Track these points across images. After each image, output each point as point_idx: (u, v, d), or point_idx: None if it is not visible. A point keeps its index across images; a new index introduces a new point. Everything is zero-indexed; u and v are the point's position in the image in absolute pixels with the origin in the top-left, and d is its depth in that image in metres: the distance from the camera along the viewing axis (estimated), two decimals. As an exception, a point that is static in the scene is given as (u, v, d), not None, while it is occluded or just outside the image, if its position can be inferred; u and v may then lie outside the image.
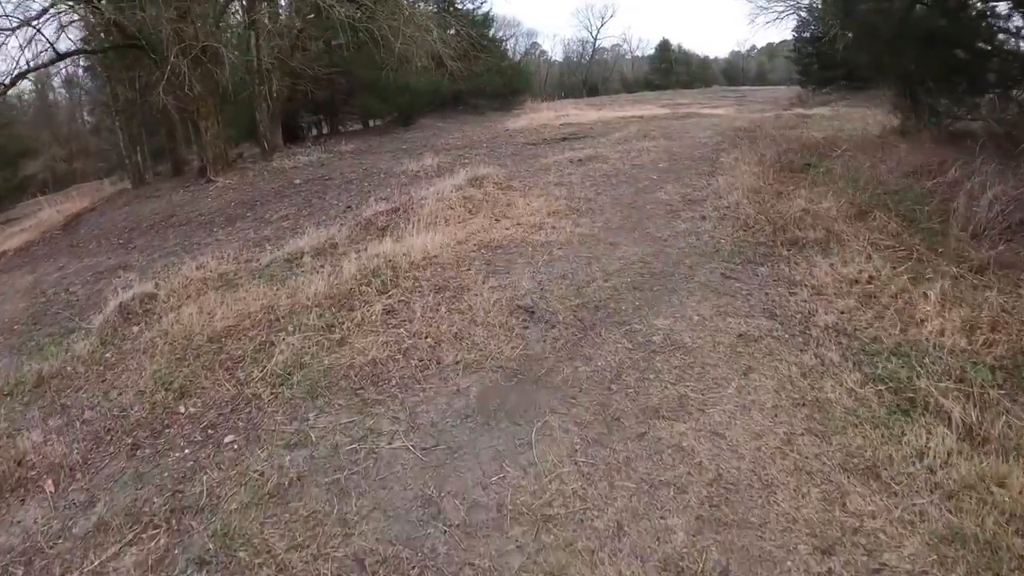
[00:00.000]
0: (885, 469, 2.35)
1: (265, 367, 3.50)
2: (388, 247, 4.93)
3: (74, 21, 10.31)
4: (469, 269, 4.51)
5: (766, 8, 20.11)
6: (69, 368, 3.98)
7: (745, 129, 9.32)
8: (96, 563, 2.35)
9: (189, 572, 2.24)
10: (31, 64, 9.49)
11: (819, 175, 5.70)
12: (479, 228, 5.38)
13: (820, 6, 16.75)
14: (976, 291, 3.39)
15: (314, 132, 17.27)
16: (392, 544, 2.24)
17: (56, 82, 22.87)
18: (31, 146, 21.11)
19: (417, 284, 4.33)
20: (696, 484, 2.36)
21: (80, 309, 5.21)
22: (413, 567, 2.14)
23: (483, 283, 4.24)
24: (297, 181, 8.89)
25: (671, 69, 38.56)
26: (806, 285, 3.76)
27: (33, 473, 2.98)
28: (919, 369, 2.82)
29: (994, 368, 2.79)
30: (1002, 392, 2.65)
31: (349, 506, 2.44)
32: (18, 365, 4.17)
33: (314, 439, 2.87)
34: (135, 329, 4.36)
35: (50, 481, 2.90)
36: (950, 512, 2.14)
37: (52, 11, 9.18)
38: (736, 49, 55.25)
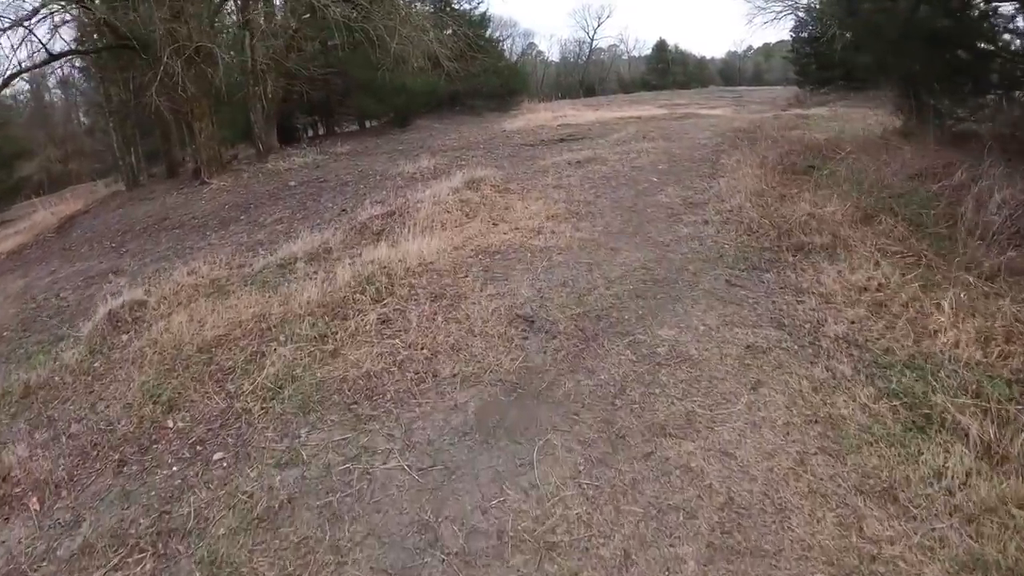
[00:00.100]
0: (902, 491, 2.24)
1: (256, 379, 3.38)
2: (383, 252, 4.81)
3: (67, 21, 10.21)
4: (466, 276, 4.39)
5: (764, 8, 20.10)
6: (57, 378, 3.87)
7: (744, 130, 9.25)
8: (79, 590, 2.24)
9: (174, 602, 2.13)
10: (23, 65, 9.40)
11: (823, 178, 5.61)
12: (476, 232, 5.26)
13: (818, 6, 16.72)
14: (988, 300, 3.29)
15: (309, 133, 17.17)
16: (387, 574, 2.13)
17: (52, 83, 22.77)
18: (26, 147, 20.97)
19: (413, 292, 4.21)
20: (706, 508, 2.24)
21: (70, 316, 5.11)
22: (409, 599, 2.03)
23: (481, 291, 4.12)
24: (292, 183, 8.77)
25: (668, 69, 38.59)
26: (814, 293, 3.66)
27: (18, 490, 2.88)
28: (934, 383, 2.71)
29: (1011, 382, 2.68)
30: (1019, 408, 2.54)
31: (342, 532, 2.32)
32: (6, 374, 4.06)
33: (306, 458, 2.75)
34: (124, 338, 4.24)
35: (35, 499, 2.80)
36: (971, 537, 2.05)
37: (44, 11, 9.07)
38: (733, 49, 55.33)
